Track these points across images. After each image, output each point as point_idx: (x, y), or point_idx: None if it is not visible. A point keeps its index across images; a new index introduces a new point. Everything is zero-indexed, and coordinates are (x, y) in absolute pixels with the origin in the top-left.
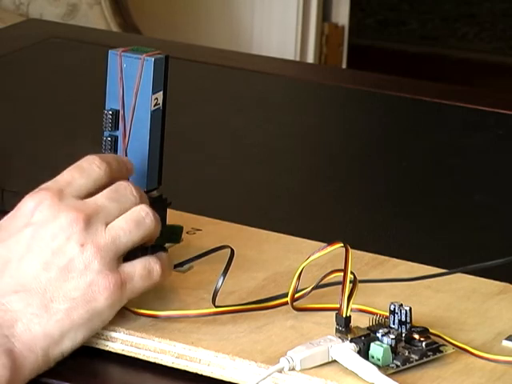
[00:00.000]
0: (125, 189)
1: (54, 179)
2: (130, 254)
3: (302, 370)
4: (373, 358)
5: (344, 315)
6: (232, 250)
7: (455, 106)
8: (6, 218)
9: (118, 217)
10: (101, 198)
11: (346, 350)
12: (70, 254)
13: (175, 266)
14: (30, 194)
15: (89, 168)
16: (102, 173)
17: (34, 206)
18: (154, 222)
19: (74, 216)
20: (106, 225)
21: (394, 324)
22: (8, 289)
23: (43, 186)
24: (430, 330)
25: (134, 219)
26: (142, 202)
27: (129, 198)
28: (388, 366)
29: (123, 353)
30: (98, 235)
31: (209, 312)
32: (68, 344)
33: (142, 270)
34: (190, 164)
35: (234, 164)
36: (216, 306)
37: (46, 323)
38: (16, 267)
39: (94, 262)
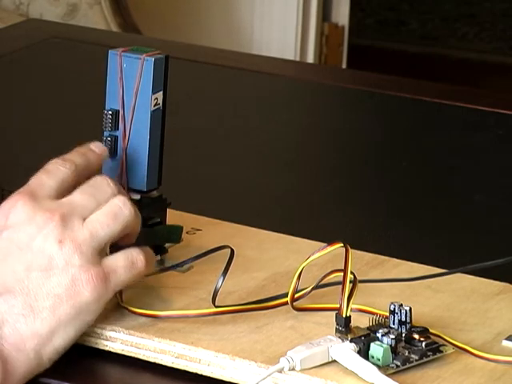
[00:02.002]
0: (101, 182)
1: (25, 185)
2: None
3: (302, 370)
4: (373, 357)
5: (344, 315)
6: (232, 250)
7: (455, 105)
8: None
9: (95, 210)
10: (76, 195)
11: (346, 350)
12: (50, 252)
13: (175, 266)
14: (6, 200)
15: (54, 169)
16: (67, 171)
17: (8, 210)
18: (133, 212)
19: (48, 215)
20: (83, 220)
21: (394, 324)
22: None
23: (15, 192)
24: (430, 330)
25: (112, 211)
26: (119, 193)
27: (105, 191)
28: (388, 365)
29: (123, 353)
30: (75, 231)
31: (209, 312)
32: (60, 341)
33: (124, 261)
34: (189, 164)
35: (233, 164)
36: (216, 306)
37: (32, 322)
38: None
39: (75, 257)
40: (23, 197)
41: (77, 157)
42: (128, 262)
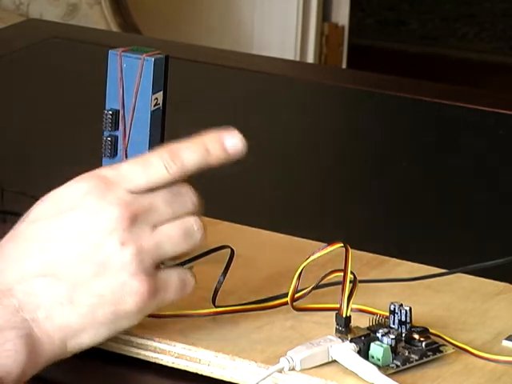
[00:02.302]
0: (185, 194)
1: (114, 167)
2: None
3: (302, 370)
4: (373, 357)
5: (344, 315)
6: (232, 250)
7: (455, 105)
8: (55, 191)
9: (168, 221)
10: (155, 198)
11: (346, 350)
12: (109, 251)
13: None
14: (85, 175)
15: (156, 167)
16: (169, 177)
17: (85, 192)
18: (203, 238)
19: (121, 211)
20: (154, 228)
21: (394, 324)
22: (36, 270)
23: (101, 170)
24: (430, 330)
25: (185, 230)
26: (198, 212)
27: (186, 206)
28: (388, 365)
29: (123, 353)
30: (141, 236)
31: (209, 312)
32: (89, 339)
33: (178, 280)
34: None
35: (233, 164)
36: (216, 306)
37: (68, 314)
38: (51, 250)
39: (132, 264)
40: (103, 184)
41: (194, 155)
42: (181, 282)
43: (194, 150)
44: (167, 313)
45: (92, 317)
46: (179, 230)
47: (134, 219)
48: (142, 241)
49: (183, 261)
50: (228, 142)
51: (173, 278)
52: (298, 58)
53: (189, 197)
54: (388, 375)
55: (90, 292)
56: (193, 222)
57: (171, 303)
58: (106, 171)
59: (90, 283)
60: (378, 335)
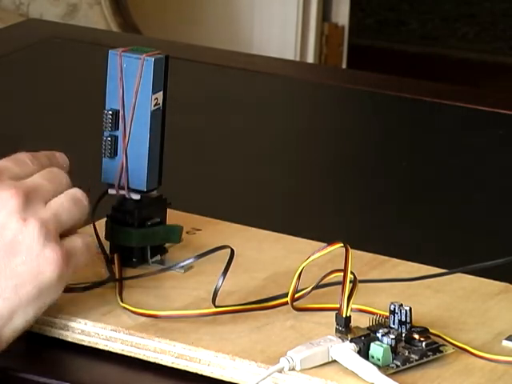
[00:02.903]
0: (58, 173)
1: None
2: None
3: (302, 370)
4: (373, 357)
5: (344, 315)
6: (232, 250)
7: (455, 105)
8: None
9: (55, 195)
10: (37, 178)
11: (346, 350)
12: (14, 230)
13: (175, 266)
14: None
15: (23, 161)
16: (34, 168)
17: None
18: (89, 205)
19: (12, 192)
20: (45, 202)
21: (394, 324)
22: None
23: None
24: (430, 330)
25: (72, 199)
26: (71, 186)
27: (62, 181)
28: (388, 365)
29: (123, 353)
30: (38, 211)
31: (209, 312)
32: (19, 322)
33: (82, 243)
34: (190, 164)
35: (233, 164)
36: (216, 306)
37: None
38: None
39: (40, 236)
40: None
41: (44, 159)
42: (85, 245)
43: (44, 156)
44: (167, 313)
45: (18, 298)
46: (68, 199)
47: (27, 197)
48: (40, 214)
49: (182, 261)
50: (59, 159)
51: (77, 242)
52: (298, 58)
53: (62, 175)
54: (388, 375)
55: (9, 274)
56: (75, 191)
57: (83, 266)
58: None
59: (6, 265)
60: (378, 335)
